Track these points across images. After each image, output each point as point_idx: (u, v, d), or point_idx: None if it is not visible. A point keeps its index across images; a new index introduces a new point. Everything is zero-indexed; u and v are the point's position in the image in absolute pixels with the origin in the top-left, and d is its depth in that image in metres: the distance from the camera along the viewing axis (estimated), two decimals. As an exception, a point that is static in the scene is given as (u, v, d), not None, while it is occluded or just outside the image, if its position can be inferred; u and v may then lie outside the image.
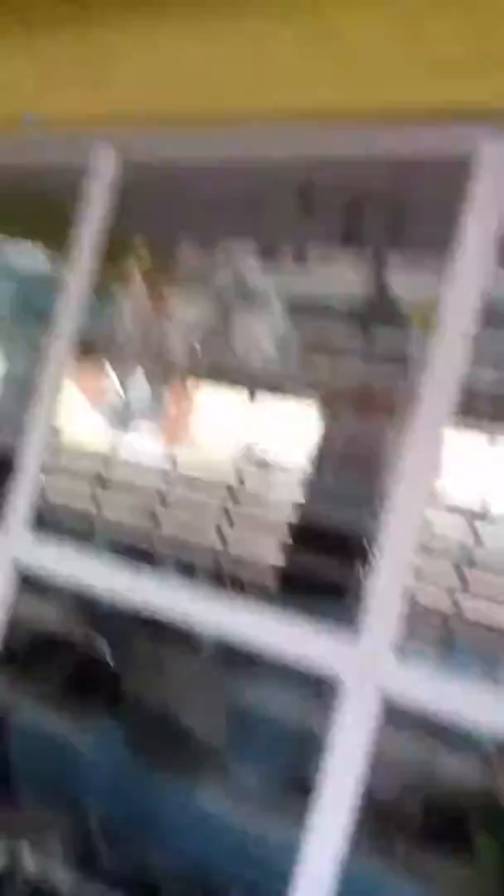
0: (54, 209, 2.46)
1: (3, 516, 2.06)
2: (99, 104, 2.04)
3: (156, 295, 3.91)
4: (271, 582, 4.94)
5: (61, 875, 2.43)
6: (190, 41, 1.87)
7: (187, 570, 5.92)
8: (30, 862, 2.44)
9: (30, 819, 2.69)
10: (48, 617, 3.59)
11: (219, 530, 6.07)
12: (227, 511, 6.06)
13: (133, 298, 4.08)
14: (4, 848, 2.46)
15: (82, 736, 3.21)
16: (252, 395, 4.35)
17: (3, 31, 2.12)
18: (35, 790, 2.90)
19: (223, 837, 2.82)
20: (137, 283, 4.04)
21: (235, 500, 6.08)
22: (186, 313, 3.27)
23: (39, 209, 2.95)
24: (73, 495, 6.72)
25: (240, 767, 3.21)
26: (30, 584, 2.10)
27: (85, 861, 2.53)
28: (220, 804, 3.00)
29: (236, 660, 2.75)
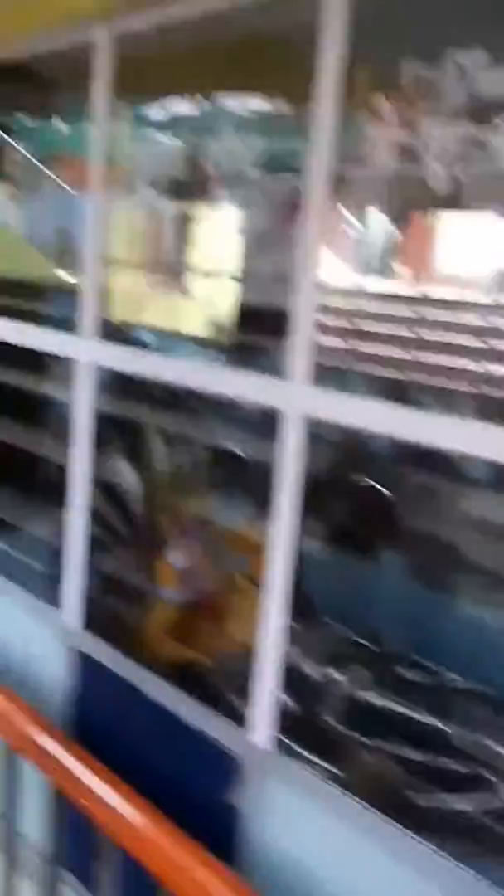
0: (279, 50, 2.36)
1: (282, 370, 2.09)
2: None
3: (399, 121, 3.69)
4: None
5: (372, 694, 2.69)
6: None
7: (448, 399, 5.86)
8: (341, 685, 2.71)
9: (334, 647, 2.94)
10: (323, 459, 3.74)
11: (476, 355, 5.89)
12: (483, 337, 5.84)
13: (372, 127, 3.86)
14: (319, 673, 2.74)
15: (367, 567, 3.40)
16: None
17: None
18: (330, 619, 3.15)
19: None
20: (375, 112, 3.80)
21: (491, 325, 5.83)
22: (430, 135, 3.03)
23: (266, 53, 2.84)
24: (329, 335, 6.84)
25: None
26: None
27: (390, 681, 2.75)
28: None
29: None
